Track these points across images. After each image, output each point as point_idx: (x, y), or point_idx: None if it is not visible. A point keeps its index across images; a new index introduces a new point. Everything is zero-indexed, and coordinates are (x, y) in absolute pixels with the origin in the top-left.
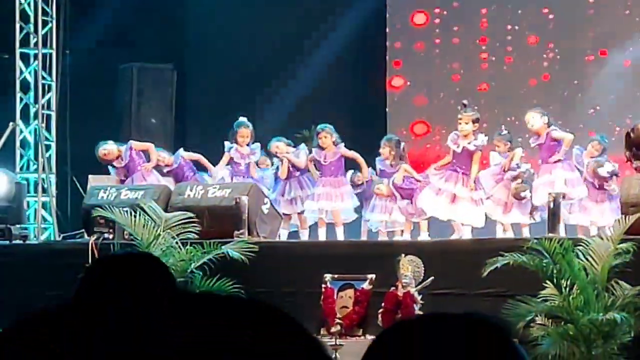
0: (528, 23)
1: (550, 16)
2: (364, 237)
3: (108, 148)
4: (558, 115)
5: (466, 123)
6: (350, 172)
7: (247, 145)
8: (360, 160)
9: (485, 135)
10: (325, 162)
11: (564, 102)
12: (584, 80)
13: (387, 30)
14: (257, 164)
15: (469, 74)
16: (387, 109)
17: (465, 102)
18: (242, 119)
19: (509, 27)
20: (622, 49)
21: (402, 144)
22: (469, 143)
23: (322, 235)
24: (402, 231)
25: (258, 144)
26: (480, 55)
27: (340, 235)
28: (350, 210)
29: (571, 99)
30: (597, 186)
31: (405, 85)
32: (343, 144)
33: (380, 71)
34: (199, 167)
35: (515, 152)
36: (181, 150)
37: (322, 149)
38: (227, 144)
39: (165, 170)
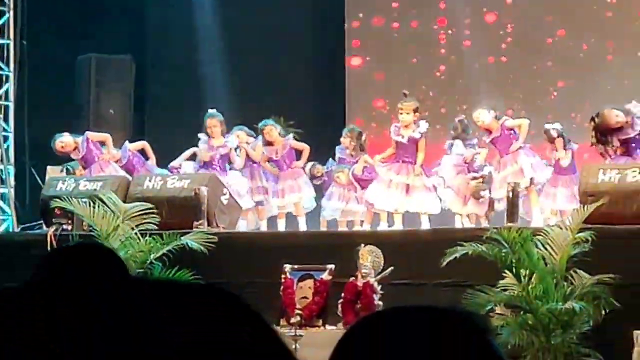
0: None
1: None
2: (323, 227)
3: (64, 140)
4: (517, 100)
5: (407, 113)
6: (310, 164)
7: (223, 136)
8: (307, 151)
9: (427, 122)
10: (277, 156)
11: (521, 86)
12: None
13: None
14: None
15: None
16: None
17: (405, 92)
18: (211, 110)
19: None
20: (580, 32)
21: (364, 135)
22: (412, 132)
23: (281, 226)
24: (362, 221)
25: (232, 136)
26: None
27: (302, 226)
28: (310, 199)
29: (530, 83)
30: None
31: (364, 63)
32: (291, 135)
33: (340, 49)
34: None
35: (481, 152)
36: (127, 144)
37: (270, 144)
38: (201, 136)
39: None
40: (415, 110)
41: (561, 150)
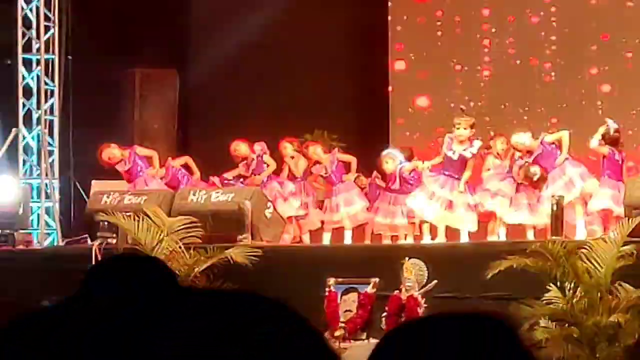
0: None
1: (553, 9)
2: (367, 240)
3: (112, 152)
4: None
5: (464, 128)
6: (353, 176)
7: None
8: (354, 163)
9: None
10: (326, 173)
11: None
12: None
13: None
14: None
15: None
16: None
17: (463, 107)
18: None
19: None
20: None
21: (404, 153)
22: (464, 150)
23: (326, 239)
24: (406, 235)
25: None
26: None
27: (347, 239)
28: (364, 211)
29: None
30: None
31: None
32: (336, 150)
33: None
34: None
35: (496, 142)
36: (170, 160)
37: (318, 162)
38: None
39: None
40: (472, 126)
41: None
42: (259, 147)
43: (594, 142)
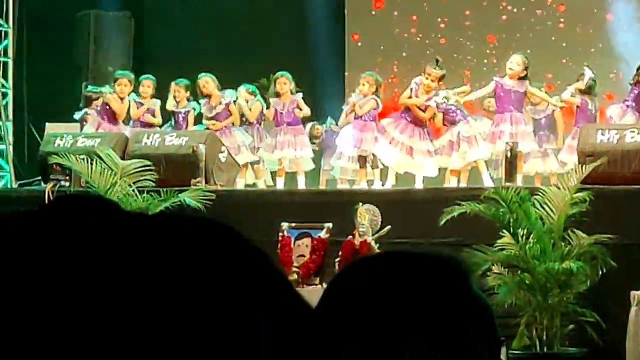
0: None
1: None
2: (322, 187)
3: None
4: None
5: (432, 80)
6: (309, 124)
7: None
8: (307, 114)
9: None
10: (282, 110)
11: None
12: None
13: None
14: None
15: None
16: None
17: (438, 57)
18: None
19: None
20: None
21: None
22: (428, 99)
23: (280, 184)
24: (355, 180)
25: (230, 91)
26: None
27: (301, 184)
28: (309, 160)
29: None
30: None
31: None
32: (301, 94)
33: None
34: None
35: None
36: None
37: (279, 95)
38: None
39: None
40: (440, 79)
41: None
42: (230, 94)
43: (566, 93)
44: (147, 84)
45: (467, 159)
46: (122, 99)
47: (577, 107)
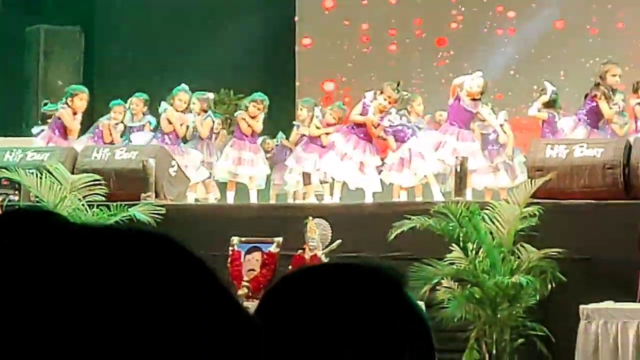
0: None
1: None
2: (272, 201)
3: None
4: None
5: (389, 103)
6: (260, 139)
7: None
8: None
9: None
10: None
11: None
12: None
13: None
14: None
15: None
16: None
17: (399, 81)
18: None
19: None
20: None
21: (320, 106)
22: (381, 119)
23: (230, 198)
24: (304, 194)
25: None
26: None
27: (253, 198)
28: (264, 177)
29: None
30: None
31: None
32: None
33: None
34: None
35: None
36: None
37: (253, 117)
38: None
39: None
40: (394, 102)
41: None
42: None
43: (533, 109)
44: (182, 96)
45: (418, 174)
46: (75, 114)
47: (544, 121)
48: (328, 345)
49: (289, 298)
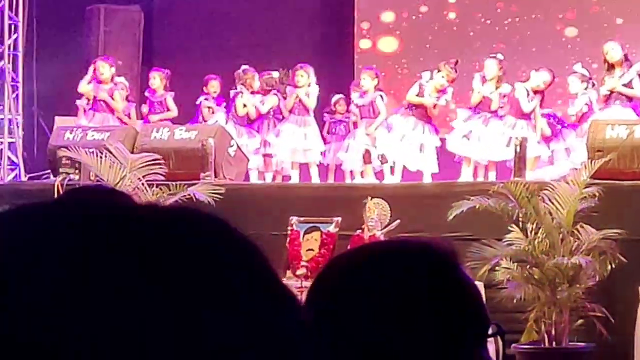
0: None
1: None
2: (331, 180)
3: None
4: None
5: (447, 80)
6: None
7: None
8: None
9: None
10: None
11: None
12: None
13: None
14: None
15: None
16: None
17: (458, 60)
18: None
19: None
20: None
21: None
22: (437, 98)
23: (295, 177)
24: (362, 172)
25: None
26: None
27: (315, 177)
28: (318, 152)
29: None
30: None
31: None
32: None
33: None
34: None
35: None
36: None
37: (298, 87)
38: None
39: None
40: (452, 81)
41: None
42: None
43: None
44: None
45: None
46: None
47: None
48: (385, 325)
49: (338, 282)
